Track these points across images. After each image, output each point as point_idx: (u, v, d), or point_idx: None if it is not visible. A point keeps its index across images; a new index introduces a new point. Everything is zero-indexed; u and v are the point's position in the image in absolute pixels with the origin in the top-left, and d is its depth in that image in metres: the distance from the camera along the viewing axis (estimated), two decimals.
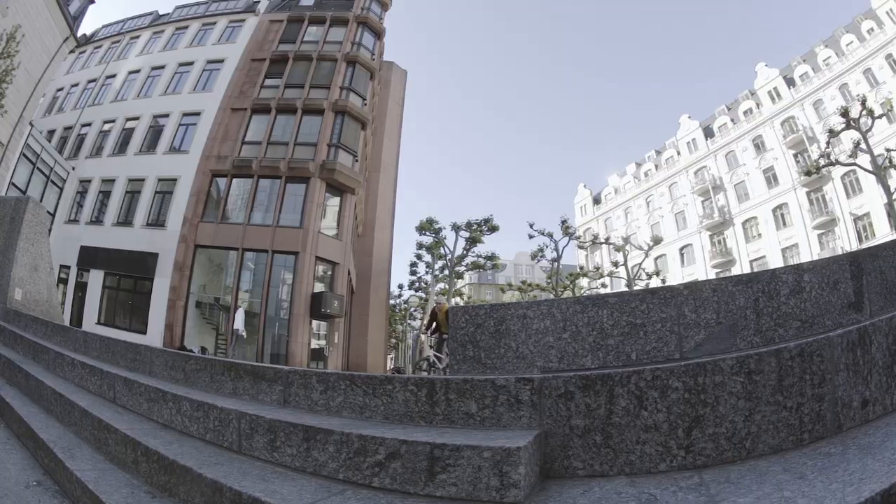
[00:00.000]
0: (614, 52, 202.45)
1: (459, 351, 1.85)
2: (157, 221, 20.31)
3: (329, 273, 18.52)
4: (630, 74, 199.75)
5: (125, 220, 21.16)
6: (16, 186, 20.91)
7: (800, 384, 1.27)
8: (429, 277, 20.56)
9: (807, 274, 1.76)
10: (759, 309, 1.70)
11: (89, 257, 21.26)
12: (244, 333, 14.34)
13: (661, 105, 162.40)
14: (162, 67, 23.70)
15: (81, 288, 21.32)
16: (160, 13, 27.65)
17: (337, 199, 18.96)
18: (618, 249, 22.14)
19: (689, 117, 40.18)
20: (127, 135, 22.90)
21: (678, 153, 40.09)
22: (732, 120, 36.43)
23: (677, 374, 1.27)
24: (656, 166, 42.77)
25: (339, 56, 20.59)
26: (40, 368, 3.41)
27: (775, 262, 31.63)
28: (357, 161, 19.34)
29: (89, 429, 2.38)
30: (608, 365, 1.70)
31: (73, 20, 22.30)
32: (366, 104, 20.31)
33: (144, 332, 19.35)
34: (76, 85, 27.39)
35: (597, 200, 49.35)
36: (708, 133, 37.96)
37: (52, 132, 25.97)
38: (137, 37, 26.36)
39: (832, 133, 19.63)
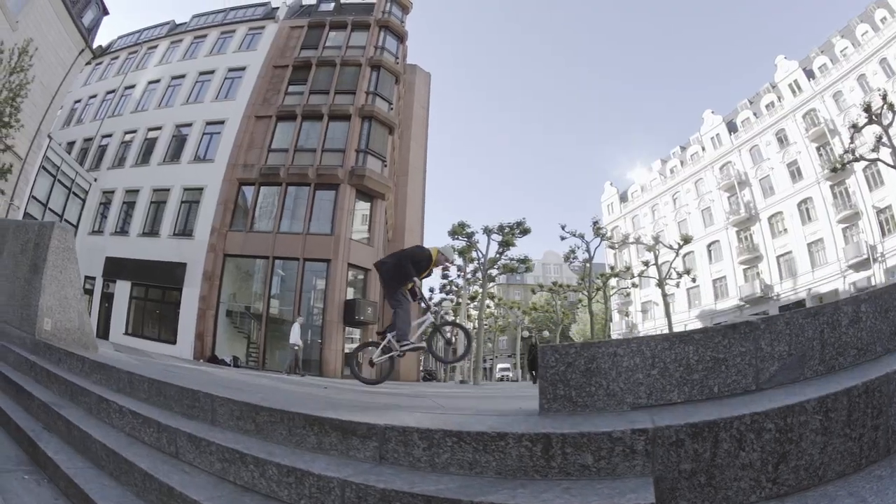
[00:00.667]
0: (633, 52, 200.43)
1: (550, 390, 1.87)
2: (184, 231, 20.18)
3: (361, 279, 18.31)
4: (649, 73, 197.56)
5: (151, 231, 21.05)
6: (36, 199, 20.81)
7: (863, 417, 1.48)
8: (460, 281, 20.35)
9: (864, 304, 1.89)
10: (824, 339, 1.84)
11: (115, 268, 21.16)
12: (299, 346, 14.27)
13: (684, 101, 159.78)
14: (182, 77, 23.59)
15: (108, 299, 21.25)
16: (177, 23, 27.56)
17: (367, 205, 18.75)
18: (649, 249, 21.89)
19: (713, 112, 39.73)
20: (149, 145, 22.79)
21: (703, 149, 39.62)
22: (755, 114, 35.95)
23: (771, 416, 1.42)
24: (682, 162, 42.31)
25: (363, 60, 20.40)
26: (81, 412, 3.05)
27: (801, 257, 31.15)
28: (386, 166, 19.13)
29: (156, 493, 2.08)
30: (693, 398, 1.78)
31: (88, 32, 22.20)
32: (392, 108, 20.10)
33: (174, 343, 19.22)
34: (94, 96, 27.35)
35: (623, 198, 48.94)
36: (731, 128, 37.49)
37: (71, 144, 25.93)
38: (155, 47, 26.28)
39: (855, 128, 19.41)
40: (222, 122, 20.93)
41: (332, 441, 1.97)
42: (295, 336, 13.97)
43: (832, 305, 1.88)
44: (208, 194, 19.92)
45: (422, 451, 1.70)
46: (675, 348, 1.78)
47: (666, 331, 23.76)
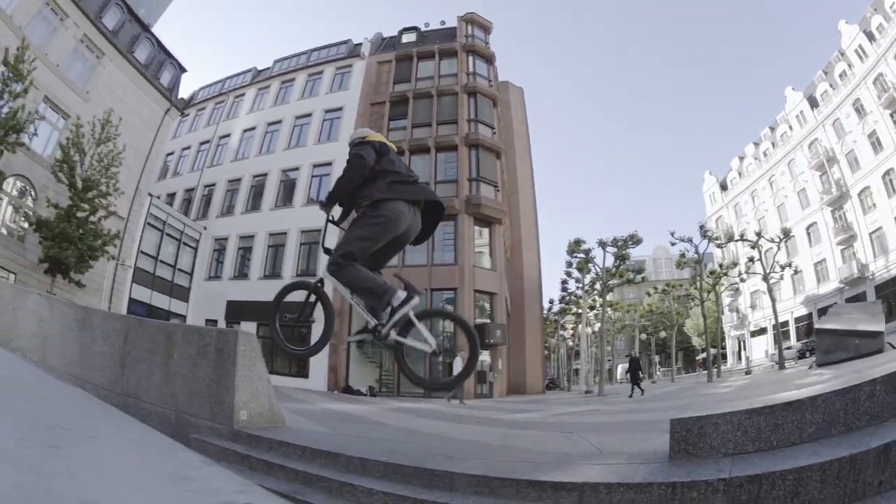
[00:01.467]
0: (709, 48, 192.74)
1: (676, 447, 2.82)
2: (307, 271, 21.23)
3: (488, 304, 19.04)
4: (724, 60, 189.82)
5: (272, 273, 22.22)
6: (145, 254, 22.21)
7: (848, 475, 2.17)
8: (580, 292, 20.92)
9: (879, 385, 2.55)
10: (847, 409, 2.53)
11: (237, 310, 22.38)
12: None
13: (765, 80, 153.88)
14: (279, 122, 24.69)
15: None
16: (259, 69, 28.72)
17: (486, 231, 19.43)
18: (753, 247, 22.08)
19: (793, 89, 38.97)
20: (257, 191, 24.02)
21: (790, 128, 39.03)
22: (831, 85, 35.02)
23: (792, 472, 2.22)
24: (773, 144, 41.61)
25: (459, 89, 21.02)
26: (322, 496, 3.55)
27: (891, 233, 30.24)
28: (498, 191, 19.77)
29: None
30: (760, 449, 2.62)
31: (169, 91, 23.38)
32: (495, 133, 20.68)
33: (307, 377, 20.36)
34: (188, 148, 28.78)
35: (723, 187, 48.67)
36: (812, 103, 36.59)
37: (171, 195, 27.41)
38: (242, 95, 27.50)
39: None
40: (329, 164, 21.91)
41: (548, 494, 2.92)
42: (457, 368, 14.92)
43: (855, 387, 2.61)
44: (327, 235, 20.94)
45: (605, 494, 2.64)
46: (753, 419, 2.68)
47: (772, 320, 23.77)
